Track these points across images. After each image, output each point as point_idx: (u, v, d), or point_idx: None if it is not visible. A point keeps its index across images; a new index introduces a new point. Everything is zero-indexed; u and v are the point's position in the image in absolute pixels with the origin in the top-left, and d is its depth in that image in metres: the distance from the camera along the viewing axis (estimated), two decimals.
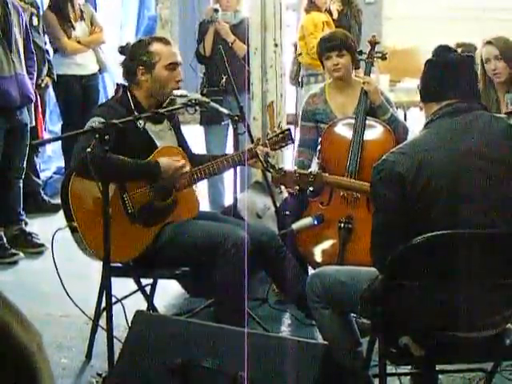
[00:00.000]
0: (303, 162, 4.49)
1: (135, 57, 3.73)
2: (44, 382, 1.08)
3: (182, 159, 3.70)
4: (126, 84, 3.81)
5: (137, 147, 3.63)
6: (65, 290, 3.36)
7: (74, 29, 6.55)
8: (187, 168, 3.66)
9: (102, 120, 3.34)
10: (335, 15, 6.88)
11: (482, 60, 4.19)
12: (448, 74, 2.78)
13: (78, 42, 6.66)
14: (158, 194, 3.65)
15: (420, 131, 2.81)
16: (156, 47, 3.72)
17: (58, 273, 3.33)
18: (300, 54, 6.58)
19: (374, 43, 4.46)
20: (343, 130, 4.23)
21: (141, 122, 3.53)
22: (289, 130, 4.13)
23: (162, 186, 3.64)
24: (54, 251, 3.32)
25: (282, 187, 4.26)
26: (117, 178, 3.44)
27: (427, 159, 2.61)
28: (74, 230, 3.47)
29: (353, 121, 4.18)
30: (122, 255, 3.50)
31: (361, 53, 4.49)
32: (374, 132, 4.19)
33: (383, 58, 4.49)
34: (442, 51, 2.84)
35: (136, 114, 3.59)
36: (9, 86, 5.10)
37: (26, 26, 5.42)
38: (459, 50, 5.19)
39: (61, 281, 3.35)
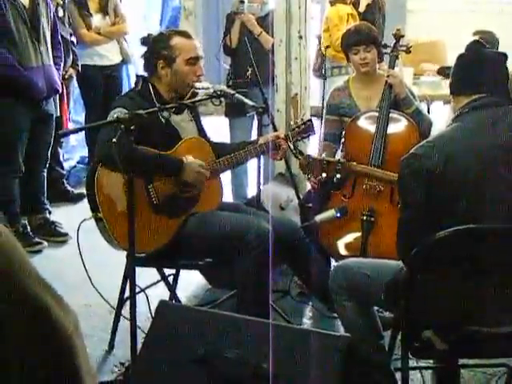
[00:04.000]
0: (327, 155, 4.49)
1: (155, 50, 3.71)
2: (80, 358, 1.15)
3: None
4: (147, 76, 3.80)
5: (160, 138, 3.62)
6: (89, 279, 3.38)
7: (92, 20, 6.59)
8: (208, 173, 3.65)
9: (125, 111, 3.33)
10: (362, 8, 6.83)
11: None
12: (479, 68, 2.79)
13: (99, 33, 6.69)
14: (182, 186, 3.65)
15: (448, 125, 2.81)
16: (176, 41, 3.69)
17: (83, 262, 3.35)
18: (328, 47, 6.54)
19: (398, 36, 4.44)
20: (367, 123, 4.21)
21: (165, 114, 3.53)
22: (310, 120, 4.11)
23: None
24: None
25: (307, 181, 4.26)
26: (141, 170, 3.41)
27: (454, 153, 2.61)
28: (98, 220, 3.49)
29: (376, 114, 4.17)
30: (146, 246, 3.50)
31: (385, 46, 4.48)
32: (398, 125, 4.17)
33: (408, 51, 4.47)
34: (475, 46, 2.85)
35: (158, 105, 3.59)
36: (36, 76, 5.11)
37: (53, 16, 5.43)
38: (477, 37, 5.21)
39: (85, 270, 3.37)
